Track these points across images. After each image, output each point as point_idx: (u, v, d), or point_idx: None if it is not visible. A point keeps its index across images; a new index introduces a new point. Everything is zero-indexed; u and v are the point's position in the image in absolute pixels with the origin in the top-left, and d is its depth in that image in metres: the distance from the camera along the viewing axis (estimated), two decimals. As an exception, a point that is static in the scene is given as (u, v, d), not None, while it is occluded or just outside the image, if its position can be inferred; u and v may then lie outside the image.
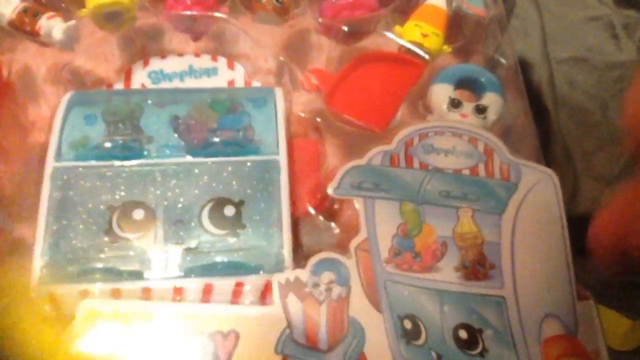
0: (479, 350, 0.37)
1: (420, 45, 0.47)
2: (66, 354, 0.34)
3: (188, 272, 0.37)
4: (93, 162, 0.40)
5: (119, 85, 0.49)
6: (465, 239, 0.39)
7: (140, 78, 0.49)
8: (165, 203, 0.39)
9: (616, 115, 0.50)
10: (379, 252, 0.39)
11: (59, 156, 0.40)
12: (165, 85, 0.49)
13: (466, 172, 0.41)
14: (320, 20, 0.49)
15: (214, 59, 0.51)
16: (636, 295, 0.46)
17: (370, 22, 0.49)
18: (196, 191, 0.40)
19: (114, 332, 0.35)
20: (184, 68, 0.50)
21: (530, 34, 0.55)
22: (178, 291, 0.37)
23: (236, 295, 0.38)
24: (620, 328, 0.42)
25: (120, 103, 0.43)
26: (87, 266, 0.37)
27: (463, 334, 0.37)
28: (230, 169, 0.41)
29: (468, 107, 0.46)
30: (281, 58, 0.50)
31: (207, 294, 0.38)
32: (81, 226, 0.38)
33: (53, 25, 0.45)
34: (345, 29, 0.48)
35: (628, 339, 0.43)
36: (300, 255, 0.39)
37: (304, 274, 0.38)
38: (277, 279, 0.37)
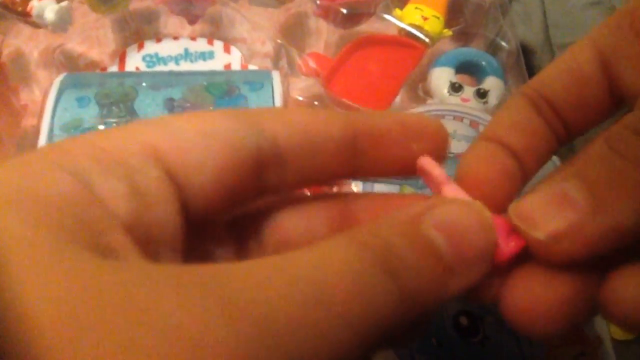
0: (479, 337, 0.36)
1: (420, 28, 0.47)
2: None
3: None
4: (86, 145, 0.39)
5: (113, 69, 0.48)
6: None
7: (134, 61, 0.49)
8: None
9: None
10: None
11: (50, 139, 0.39)
12: (160, 69, 0.48)
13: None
14: (318, 2, 0.48)
15: (210, 42, 0.50)
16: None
17: (369, 4, 0.48)
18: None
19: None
20: (179, 51, 0.49)
21: (532, 19, 0.54)
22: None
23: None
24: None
25: (114, 85, 0.42)
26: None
27: (464, 321, 0.36)
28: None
29: (469, 91, 0.45)
30: (279, 41, 0.49)
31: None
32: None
33: (45, 6, 0.44)
34: (344, 11, 0.47)
35: (629, 328, 0.42)
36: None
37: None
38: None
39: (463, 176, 0.20)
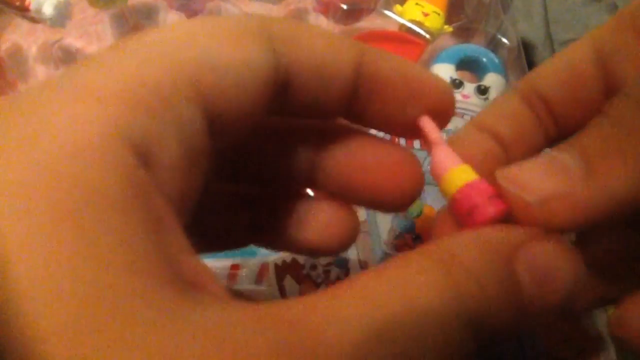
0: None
1: (420, 25, 0.46)
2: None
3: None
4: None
5: (111, 64, 0.48)
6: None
7: (133, 57, 0.48)
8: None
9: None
10: (378, 233, 0.38)
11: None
12: (159, 64, 0.48)
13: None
14: (318, -2, 0.48)
15: (210, 38, 0.50)
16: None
17: (369, 0, 0.48)
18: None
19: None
20: (178, 47, 0.49)
21: (533, 15, 0.54)
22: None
23: (232, 279, 0.37)
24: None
25: (112, 81, 0.42)
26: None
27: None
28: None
29: (470, 87, 0.45)
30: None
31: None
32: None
33: (43, 1, 0.44)
34: (344, 7, 0.47)
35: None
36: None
37: (301, 255, 0.37)
38: (274, 261, 0.36)
39: None
